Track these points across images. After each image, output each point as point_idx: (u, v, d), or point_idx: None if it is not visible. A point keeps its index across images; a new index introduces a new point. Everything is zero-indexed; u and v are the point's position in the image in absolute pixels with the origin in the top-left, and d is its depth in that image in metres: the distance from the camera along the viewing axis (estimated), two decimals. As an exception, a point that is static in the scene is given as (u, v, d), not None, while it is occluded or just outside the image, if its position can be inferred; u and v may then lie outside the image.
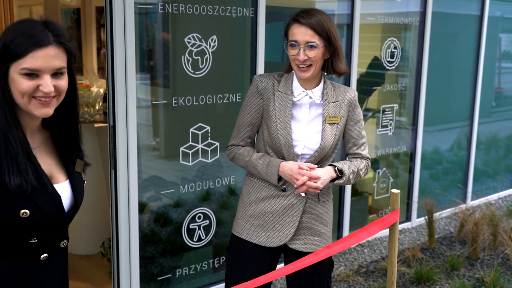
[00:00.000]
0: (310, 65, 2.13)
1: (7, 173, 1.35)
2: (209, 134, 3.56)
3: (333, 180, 2.19)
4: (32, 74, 1.39)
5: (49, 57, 1.40)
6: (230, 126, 3.80)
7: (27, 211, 1.40)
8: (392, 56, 4.67)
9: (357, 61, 4.40)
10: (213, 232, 3.70)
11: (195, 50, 3.39)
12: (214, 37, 3.46)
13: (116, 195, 3.17)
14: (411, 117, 5.00)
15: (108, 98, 3.08)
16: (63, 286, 1.66)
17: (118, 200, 3.17)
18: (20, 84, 1.39)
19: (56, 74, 1.44)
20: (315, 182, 2.07)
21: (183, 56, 3.34)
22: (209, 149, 3.57)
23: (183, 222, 3.54)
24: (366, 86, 4.71)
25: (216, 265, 3.80)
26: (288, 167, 2.13)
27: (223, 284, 3.71)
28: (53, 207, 1.47)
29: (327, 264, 2.36)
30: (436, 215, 5.35)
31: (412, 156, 5.08)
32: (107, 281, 3.76)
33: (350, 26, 4.28)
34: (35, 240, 1.48)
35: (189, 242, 3.59)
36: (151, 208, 3.50)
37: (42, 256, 1.53)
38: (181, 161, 3.45)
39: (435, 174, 5.54)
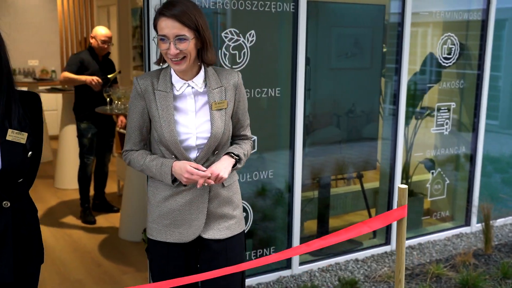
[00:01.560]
0: (184, 57, 2.07)
1: None
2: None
3: (233, 166, 2.20)
4: None
5: None
6: (268, 120, 3.86)
7: None
8: (449, 53, 4.49)
9: (411, 59, 4.28)
10: (250, 224, 3.75)
11: (233, 44, 3.46)
12: (253, 32, 3.52)
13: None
14: (472, 117, 4.78)
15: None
16: (5, 245, 1.83)
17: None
18: None
19: None
20: (216, 178, 2.09)
21: (220, 51, 3.42)
22: (246, 143, 3.62)
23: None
24: (421, 84, 4.57)
25: (253, 257, 3.84)
26: (178, 166, 2.10)
27: (263, 276, 3.81)
28: None
29: (243, 251, 2.34)
30: (501, 221, 5.08)
31: (472, 158, 4.85)
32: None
33: (401, 24, 4.17)
34: None
35: (225, 233, 3.66)
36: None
37: None
38: (217, 153, 3.54)
39: (509, 179, 5.24)
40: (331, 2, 3.95)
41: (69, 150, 5.85)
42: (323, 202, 4.37)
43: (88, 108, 4.91)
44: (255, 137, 3.65)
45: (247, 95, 3.56)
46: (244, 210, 3.71)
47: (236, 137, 2.33)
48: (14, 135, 1.80)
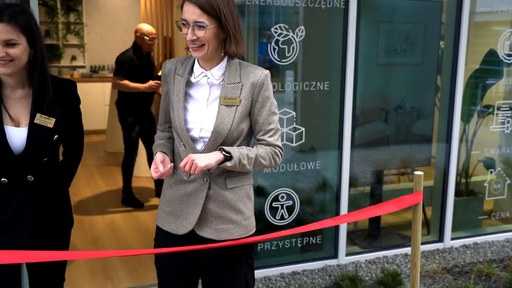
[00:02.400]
0: (203, 45, 2.00)
1: None
2: (294, 119, 3.77)
3: (222, 162, 2.02)
4: None
5: None
6: (317, 113, 3.99)
7: None
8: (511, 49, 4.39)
9: (470, 57, 4.24)
10: (296, 212, 3.90)
11: (282, 39, 3.63)
12: (302, 27, 3.67)
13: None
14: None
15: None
16: (24, 213, 2.05)
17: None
18: None
19: (8, 44, 1.89)
20: (191, 165, 1.96)
21: (269, 45, 3.61)
22: (293, 134, 3.78)
23: (265, 200, 3.80)
24: (481, 81, 4.50)
25: (299, 245, 3.99)
26: (155, 157, 2.11)
27: (309, 263, 3.94)
28: None
29: (244, 252, 2.22)
30: None
31: (537, 159, 4.70)
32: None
33: (458, 21, 4.14)
34: None
35: (271, 220, 3.84)
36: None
37: (1, 180, 2.00)
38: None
39: None
40: (381, -1, 4.02)
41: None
42: (375, 196, 4.42)
43: (134, 103, 5.09)
44: (303, 129, 3.79)
45: (295, 88, 3.76)
46: (291, 198, 3.86)
47: (257, 141, 2.17)
48: (42, 119, 2.00)
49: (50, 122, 2.01)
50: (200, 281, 2.28)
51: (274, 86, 3.67)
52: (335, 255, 4.07)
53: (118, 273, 3.85)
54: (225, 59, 2.11)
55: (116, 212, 5.16)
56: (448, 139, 4.33)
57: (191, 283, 2.25)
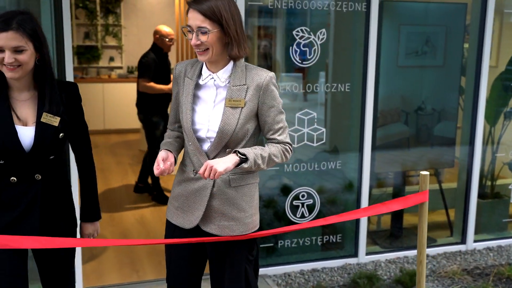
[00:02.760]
0: (207, 49, 2.11)
1: None
2: (315, 120, 3.86)
3: (238, 164, 2.11)
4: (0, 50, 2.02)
5: (7, 39, 1.99)
6: (338, 114, 4.07)
7: None
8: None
9: (495, 59, 4.25)
10: (316, 211, 3.99)
11: (303, 42, 3.73)
12: (323, 30, 3.76)
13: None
14: None
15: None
16: (32, 211, 2.15)
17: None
18: None
19: (16, 50, 2.02)
20: (211, 170, 2.04)
21: (290, 47, 3.71)
22: (314, 134, 3.87)
23: (286, 199, 3.91)
24: (509, 83, 4.48)
25: (319, 243, 4.07)
26: (158, 154, 2.21)
27: (329, 261, 4.02)
28: (9, 138, 2.08)
29: (245, 247, 2.31)
30: None
31: None
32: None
33: (482, 23, 4.15)
34: (2, 162, 2.09)
35: (292, 218, 3.94)
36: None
37: (11, 179, 2.12)
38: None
39: None
40: (403, 1, 4.06)
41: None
42: (397, 197, 4.46)
43: (156, 103, 5.29)
44: (324, 129, 3.88)
45: (316, 89, 3.85)
46: (311, 197, 3.95)
47: (267, 140, 2.28)
48: (48, 118, 2.14)
49: (55, 121, 2.15)
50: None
51: (295, 88, 3.79)
52: (355, 254, 4.14)
53: (144, 266, 4.02)
54: (231, 62, 2.21)
55: (146, 207, 5.36)
56: (472, 141, 4.34)
57: (195, 274, 2.38)
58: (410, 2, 4.07)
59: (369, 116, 3.95)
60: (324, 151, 3.97)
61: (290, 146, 2.29)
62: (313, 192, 3.96)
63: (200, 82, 2.23)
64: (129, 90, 8.85)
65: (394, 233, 4.50)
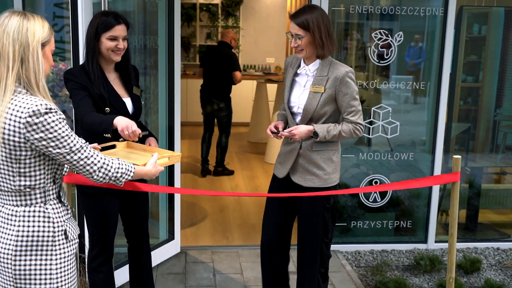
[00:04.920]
0: (302, 49, 2.84)
1: (91, 89, 2.68)
2: (390, 114, 4.25)
3: (314, 135, 2.84)
4: (114, 38, 2.67)
5: (121, 30, 2.68)
6: (411, 109, 4.41)
7: (108, 109, 2.70)
8: None
9: None
10: (388, 198, 4.37)
11: (381, 43, 4.14)
12: (401, 32, 4.14)
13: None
14: None
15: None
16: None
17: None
18: (107, 43, 2.69)
19: (125, 38, 2.71)
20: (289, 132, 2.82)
21: (369, 48, 4.15)
22: (389, 127, 4.27)
23: (360, 184, 4.33)
24: None
25: (390, 226, 4.45)
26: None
27: (399, 244, 4.38)
28: (122, 108, 2.75)
29: (322, 197, 2.95)
30: None
31: None
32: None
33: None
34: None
35: (365, 202, 4.36)
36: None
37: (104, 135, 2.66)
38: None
39: None
40: (478, 5, 4.31)
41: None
42: (474, 193, 4.69)
43: (227, 89, 6.36)
44: (398, 123, 4.26)
45: (393, 85, 4.25)
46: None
47: (343, 119, 2.93)
48: (136, 90, 2.86)
49: (139, 91, 2.91)
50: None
51: (372, 84, 4.22)
52: (425, 240, 4.46)
53: (233, 234, 4.66)
54: (319, 59, 2.91)
55: (244, 190, 6.01)
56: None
57: (287, 219, 3.16)
58: (482, 6, 4.32)
59: (443, 111, 4.25)
60: (398, 143, 4.35)
61: (360, 126, 2.91)
62: (386, 180, 4.34)
63: (298, 71, 2.99)
64: (243, 87, 9.60)
65: (468, 227, 4.73)
